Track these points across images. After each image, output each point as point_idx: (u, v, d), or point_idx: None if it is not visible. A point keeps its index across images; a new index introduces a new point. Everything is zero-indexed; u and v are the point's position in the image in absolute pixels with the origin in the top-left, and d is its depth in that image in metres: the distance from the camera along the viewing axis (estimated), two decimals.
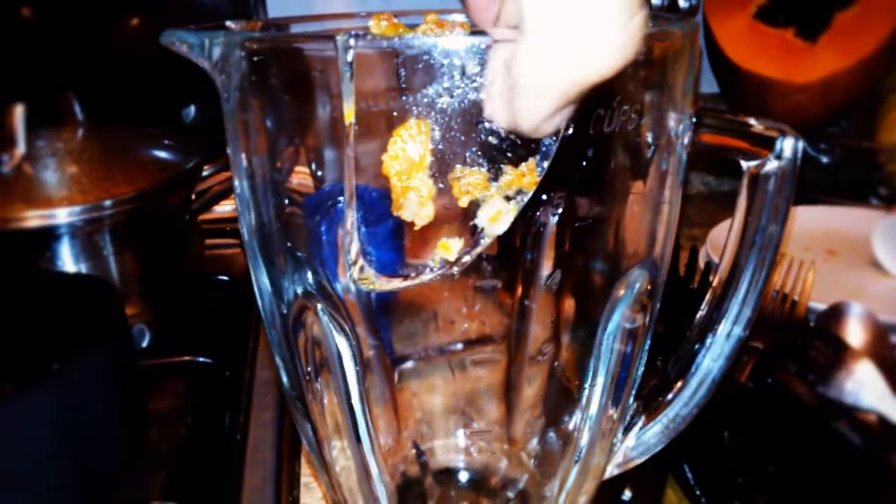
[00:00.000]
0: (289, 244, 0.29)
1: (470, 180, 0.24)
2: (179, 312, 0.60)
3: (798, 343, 0.45)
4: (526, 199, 0.24)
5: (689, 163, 0.30)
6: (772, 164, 0.28)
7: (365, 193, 0.25)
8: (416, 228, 0.25)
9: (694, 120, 0.29)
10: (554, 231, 0.31)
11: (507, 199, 0.24)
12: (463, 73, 0.23)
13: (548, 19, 0.19)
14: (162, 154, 0.64)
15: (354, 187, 0.24)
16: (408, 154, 0.24)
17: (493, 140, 0.23)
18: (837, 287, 0.58)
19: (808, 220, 0.68)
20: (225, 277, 0.66)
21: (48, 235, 0.54)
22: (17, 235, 0.53)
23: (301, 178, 0.29)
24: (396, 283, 0.26)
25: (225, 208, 0.72)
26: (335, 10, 0.81)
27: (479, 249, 0.25)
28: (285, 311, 0.29)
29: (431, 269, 0.25)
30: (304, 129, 0.28)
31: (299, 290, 0.29)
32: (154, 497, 0.41)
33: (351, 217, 0.25)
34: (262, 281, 0.30)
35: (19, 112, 0.58)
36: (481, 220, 0.25)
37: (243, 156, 0.28)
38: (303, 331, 0.29)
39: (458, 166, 0.24)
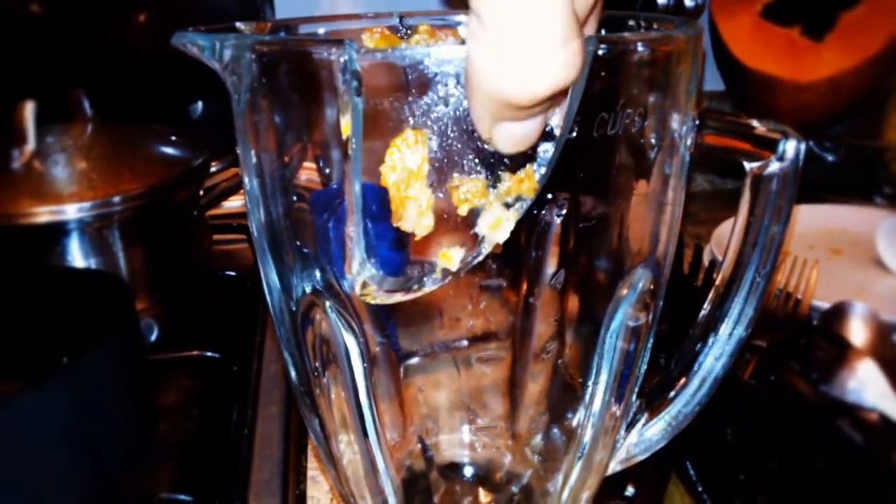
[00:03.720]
0: (297, 242, 0.29)
1: (468, 188, 0.24)
2: (187, 307, 0.61)
3: (801, 341, 0.46)
4: (526, 206, 0.24)
5: (692, 162, 0.30)
6: (774, 166, 0.29)
7: (371, 190, 0.25)
8: (416, 238, 0.25)
9: (697, 122, 0.29)
10: (559, 230, 0.31)
11: (507, 206, 0.24)
12: (457, 82, 0.23)
13: (481, 31, 0.20)
14: (170, 150, 0.64)
15: (357, 198, 0.24)
16: (405, 164, 0.23)
17: (488, 147, 0.23)
18: (841, 286, 0.58)
19: (812, 219, 0.68)
20: (232, 273, 0.66)
21: (57, 231, 0.54)
22: (26, 231, 0.54)
23: (310, 173, 0.29)
24: (398, 297, 0.26)
25: (232, 203, 0.72)
26: (341, 7, 0.82)
27: (479, 258, 0.25)
28: (294, 309, 0.30)
29: (434, 281, 0.25)
30: (313, 128, 0.29)
31: (308, 288, 0.29)
32: (162, 490, 0.42)
33: (353, 228, 0.25)
34: (271, 278, 0.30)
35: (29, 108, 0.59)
36: (481, 228, 0.25)
37: (253, 154, 0.28)
38: (311, 328, 0.30)
39: (457, 175, 0.24)
